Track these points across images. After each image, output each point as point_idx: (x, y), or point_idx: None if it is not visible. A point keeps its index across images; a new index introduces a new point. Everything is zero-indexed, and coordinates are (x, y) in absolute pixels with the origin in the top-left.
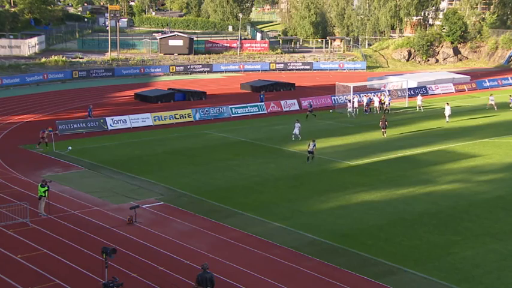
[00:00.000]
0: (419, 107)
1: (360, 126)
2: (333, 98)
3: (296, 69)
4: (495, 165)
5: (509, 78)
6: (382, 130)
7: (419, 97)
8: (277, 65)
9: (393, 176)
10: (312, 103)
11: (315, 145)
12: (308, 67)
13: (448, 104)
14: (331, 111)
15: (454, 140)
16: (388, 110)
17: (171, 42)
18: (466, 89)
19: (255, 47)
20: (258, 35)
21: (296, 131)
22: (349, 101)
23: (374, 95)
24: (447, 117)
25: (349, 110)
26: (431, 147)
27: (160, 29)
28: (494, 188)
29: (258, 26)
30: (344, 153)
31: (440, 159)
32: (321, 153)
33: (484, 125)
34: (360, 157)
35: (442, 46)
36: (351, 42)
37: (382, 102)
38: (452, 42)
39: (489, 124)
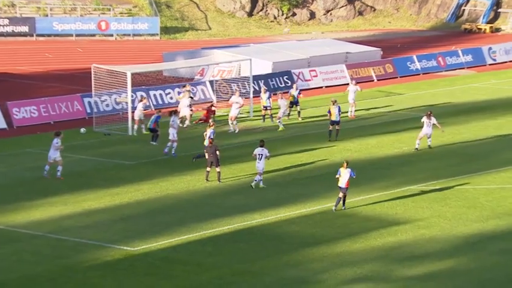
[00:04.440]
0: (184, 120)
1: (153, 164)
2: (86, 100)
3: None
4: (438, 241)
5: (461, 53)
6: (207, 170)
7: (184, 109)
8: None
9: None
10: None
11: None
12: (25, 29)
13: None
14: (82, 130)
15: (351, 190)
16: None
17: None
18: (375, 77)
19: None
20: None
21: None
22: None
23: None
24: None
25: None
26: (299, 207)
27: None
28: None
29: None
30: (115, 226)
31: (325, 232)
32: (59, 230)
33: (411, 155)
34: (152, 235)
35: None
36: None
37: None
38: None
39: (421, 153)
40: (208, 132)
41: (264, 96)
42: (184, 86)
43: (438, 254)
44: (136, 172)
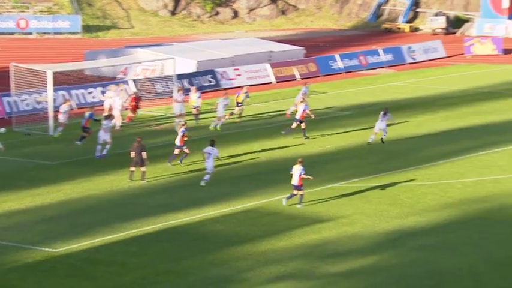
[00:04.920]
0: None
1: (75, 164)
2: (5, 99)
3: None
4: (361, 238)
5: (381, 52)
6: (132, 169)
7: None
8: None
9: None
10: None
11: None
12: None
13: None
14: (2, 130)
15: (275, 188)
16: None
17: None
18: (298, 76)
19: None
20: None
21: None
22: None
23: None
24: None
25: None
26: (224, 205)
27: None
28: None
29: None
30: (36, 227)
31: (249, 231)
32: None
33: (334, 153)
34: (74, 236)
35: None
36: None
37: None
38: None
39: (344, 151)
40: (180, 131)
41: (194, 95)
42: (118, 85)
43: (360, 251)
44: (58, 172)
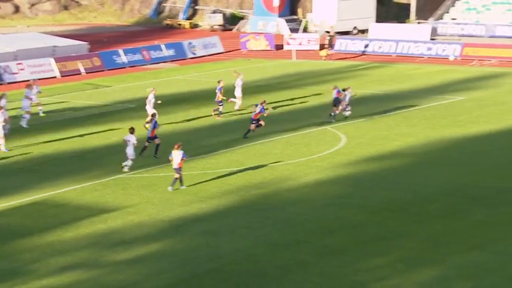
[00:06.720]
0: None
1: None
2: None
3: None
4: (146, 226)
5: (164, 47)
6: None
7: None
8: None
9: None
10: None
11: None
12: None
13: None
14: None
15: (63, 181)
16: None
17: None
18: (83, 70)
19: None
20: None
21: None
22: None
23: None
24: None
25: None
26: (8, 199)
27: None
28: (143, 277)
29: None
30: None
31: (36, 223)
32: None
33: (120, 146)
34: None
35: None
36: None
37: None
38: None
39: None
40: None
41: None
42: None
43: (146, 238)
44: None
